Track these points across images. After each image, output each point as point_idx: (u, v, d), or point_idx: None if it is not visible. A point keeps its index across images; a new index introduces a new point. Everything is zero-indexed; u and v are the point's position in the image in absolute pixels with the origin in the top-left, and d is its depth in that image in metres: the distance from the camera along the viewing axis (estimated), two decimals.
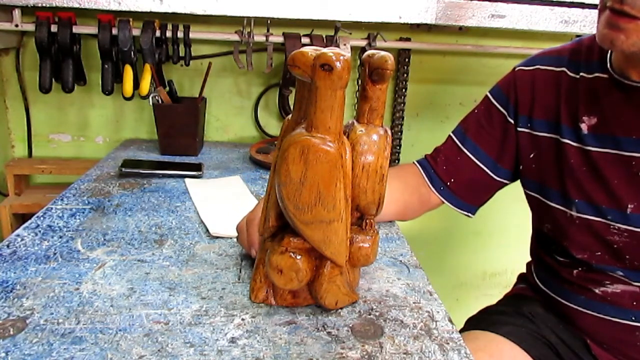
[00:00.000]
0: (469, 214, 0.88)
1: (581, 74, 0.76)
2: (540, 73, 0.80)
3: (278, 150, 0.55)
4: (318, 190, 0.51)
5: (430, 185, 0.86)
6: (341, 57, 0.48)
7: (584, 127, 0.74)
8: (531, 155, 0.81)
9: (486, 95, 0.86)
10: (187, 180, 1.02)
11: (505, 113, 0.83)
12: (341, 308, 0.61)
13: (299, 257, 0.56)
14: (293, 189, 0.51)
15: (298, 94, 0.55)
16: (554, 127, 0.78)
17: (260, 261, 0.61)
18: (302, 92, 0.55)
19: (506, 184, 0.87)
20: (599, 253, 0.76)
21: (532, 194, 0.84)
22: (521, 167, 0.83)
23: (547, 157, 0.79)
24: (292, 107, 0.96)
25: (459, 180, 0.85)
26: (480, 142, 0.84)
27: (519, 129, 0.81)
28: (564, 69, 0.78)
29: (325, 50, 0.49)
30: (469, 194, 0.86)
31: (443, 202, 0.87)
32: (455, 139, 0.87)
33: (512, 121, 0.82)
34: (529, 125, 0.80)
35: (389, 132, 0.57)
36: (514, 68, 0.84)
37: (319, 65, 0.48)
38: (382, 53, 0.53)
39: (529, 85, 0.81)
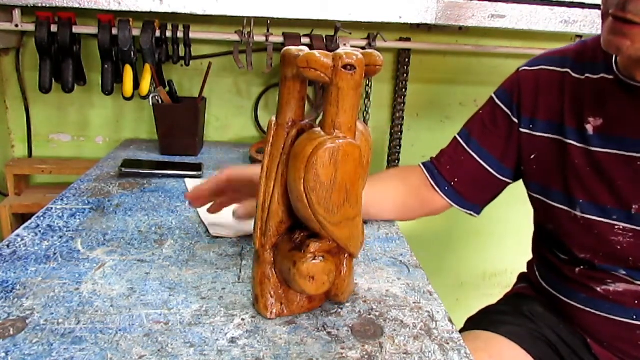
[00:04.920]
0: (474, 214, 0.88)
1: (586, 75, 0.76)
2: (544, 73, 0.80)
3: (270, 157, 0.55)
4: (346, 189, 0.52)
5: (435, 186, 0.86)
6: (355, 57, 0.49)
7: (589, 128, 0.74)
8: (532, 157, 0.81)
9: (491, 97, 0.87)
10: (187, 180, 1.02)
11: (510, 113, 0.83)
12: (341, 308, 0.61)
13: (327, 259, 0.56)
14: (324, 193, 0.51)
15: (286, 94, 0.54)
16: (557, 128, 0.78)
17: (264, 276, 0.58)
18: (292, 93, 0.54)
19: (510, 183, 0.87)
20: (602, 254, 0.76)
21: (535, 195, 0.84)
22: (523, 169, 0.83)
23: (549, 158, 0.79)
24: None
25: (463, 180, 0.85)
26: (484, 143, 0.84)
27: (521, 129, 0.82)
28: (567, 70, 0.78)
29: (339, 51, 0.49)
30: (473, 193, 0.86)
31: (447, 203, 0.86)
32: (459, 139, 0.87)
33: (516, 121, 0.82)
34: (530, 126, 0.81)
35: (366, 124, 0.58)
36: (518, 69, 0.84)
37: (341, 66, 0.48)
38: (369, 50, 0.54)
39: (533, 85, 0.81)
